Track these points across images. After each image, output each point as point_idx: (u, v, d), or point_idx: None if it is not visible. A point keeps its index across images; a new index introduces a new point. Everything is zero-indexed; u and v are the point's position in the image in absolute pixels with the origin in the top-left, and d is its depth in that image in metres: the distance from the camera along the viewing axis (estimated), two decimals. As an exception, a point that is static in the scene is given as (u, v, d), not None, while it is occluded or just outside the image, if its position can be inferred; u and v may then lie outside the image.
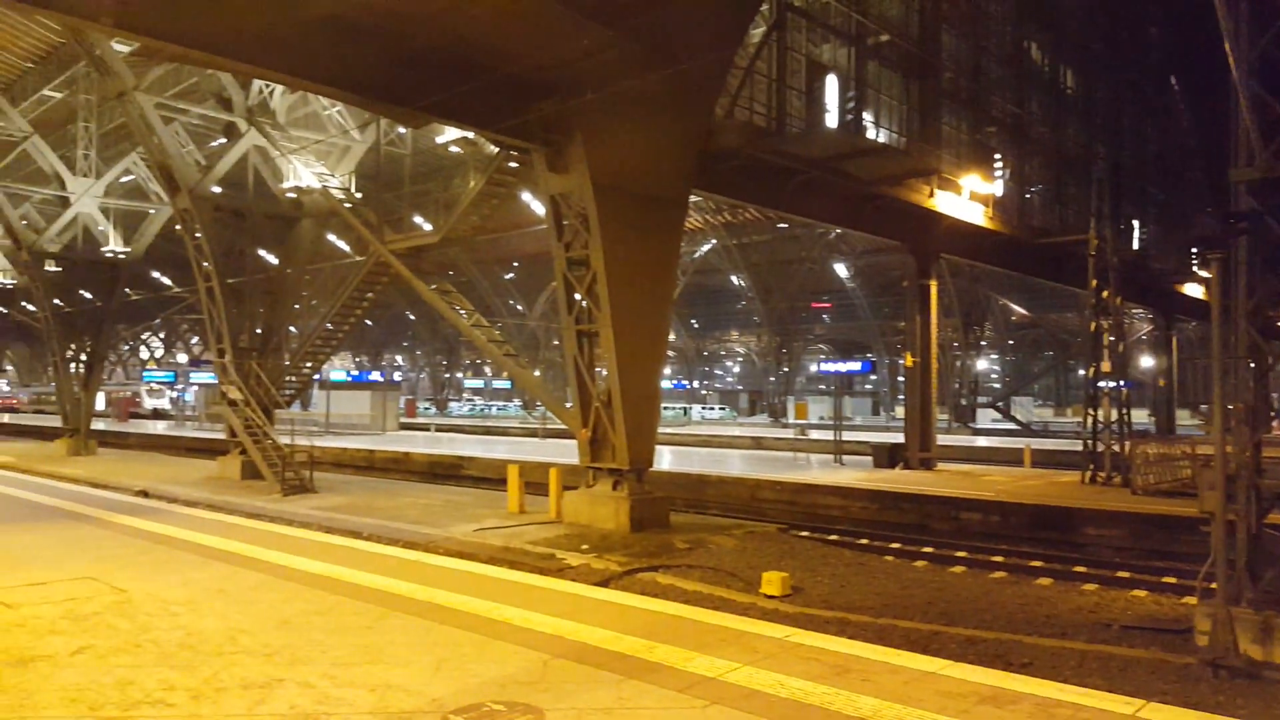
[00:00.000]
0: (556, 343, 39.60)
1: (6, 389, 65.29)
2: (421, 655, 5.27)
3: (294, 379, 19.08)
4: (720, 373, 74.86)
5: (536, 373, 27.49)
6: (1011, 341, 55.16)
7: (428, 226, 24.32)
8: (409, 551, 8.94)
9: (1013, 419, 44.26)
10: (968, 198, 19.42)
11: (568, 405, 13.49)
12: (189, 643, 5.52)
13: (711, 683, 4.77)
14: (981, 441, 31.87)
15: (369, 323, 57.83)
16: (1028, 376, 57.19)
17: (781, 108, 15.06)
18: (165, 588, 7.01)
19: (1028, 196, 23.35)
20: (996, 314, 48.88)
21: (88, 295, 25.67)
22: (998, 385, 55.69)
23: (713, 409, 58.92)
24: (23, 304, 31.83)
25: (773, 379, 50.05)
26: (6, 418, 42.42)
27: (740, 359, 70.22)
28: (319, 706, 4.41)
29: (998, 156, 21.73)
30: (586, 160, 12.16)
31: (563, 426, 14.72)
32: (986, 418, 43.69)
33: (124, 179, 25.25)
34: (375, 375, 53.68)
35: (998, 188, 20.93)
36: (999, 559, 11.85)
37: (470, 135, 17.70)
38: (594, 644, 5.50)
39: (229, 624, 5.95)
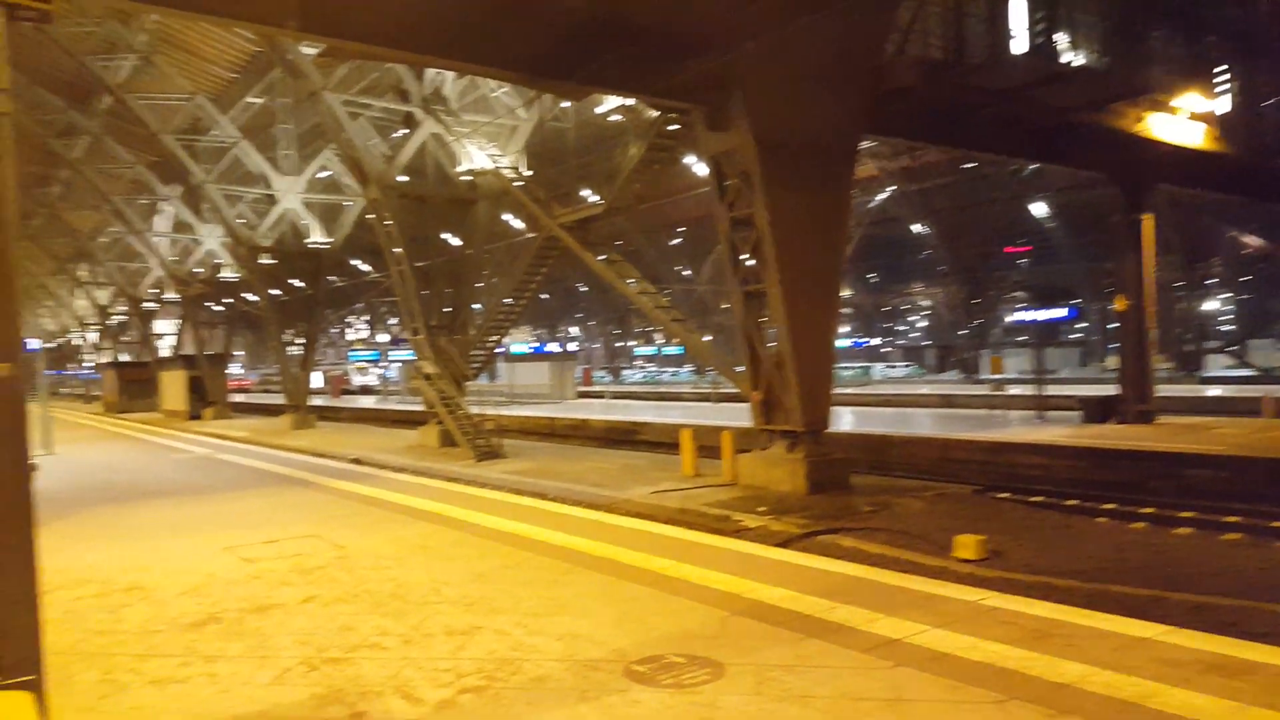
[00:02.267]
0: (725, 306, 39.58)
1: (240, 371, 73.60)
2: (604, 608, 5.55)
3: (480, 353, 20.29)
4: (903, 328, 71.97)
5: (706, 337, 27.67)
6: (1246, 278, 49.26)
7: (594, 198, 24.98)
8: (590, 512, 9.36)
9: (1248, 365, 39.66)
10: (1185, 119, 17.42)
11: (738, 369, 13.51)
12: (398, 593, 6.10)
13: (897, 644, 4.70)
14: (1212, 391, 28.79)
15: (545, 296, 60.25)
16: (1266, 317, 50.95)
17: (961, 37, 14.13)
18: (377, 544, 7.76)
19: (1259, 112, 20.63)
20: (1225, 247, 43.74)
21: (298, 284, 28.46)
22: (1230, 328, 49.96)
23: (896, 366, 56.84)
24: (243, 295, 35.68)
25: (963, 332, 47.55)
26: (241, 397, 47.88)
27: (925, 313, 67.13)
28: (514, 652, 4.77)
29: (1220, 69, 19.30)
30: (747, 115, 12.00)
31: (735, 390, 14.77)
32: (1217, 365, 39.35)
33: (321, 175, 27.63)
34: (553, 346, 56.06)
35: (1222, 104, 18.62)
36: (1233, 519, 10.74)
37: (629, 102, 17.94)
38: (772, 603, 5.55)
39: (432, 577, 6.52)
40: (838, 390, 13.99)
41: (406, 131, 19.97)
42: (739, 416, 17.06)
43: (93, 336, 57.58)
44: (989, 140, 16.28)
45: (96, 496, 11.47)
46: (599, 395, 41.56)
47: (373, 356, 56.22)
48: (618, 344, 72.63)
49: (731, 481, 12.78)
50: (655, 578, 6.27)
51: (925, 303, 64.71)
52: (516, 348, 46.31)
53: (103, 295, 47.74)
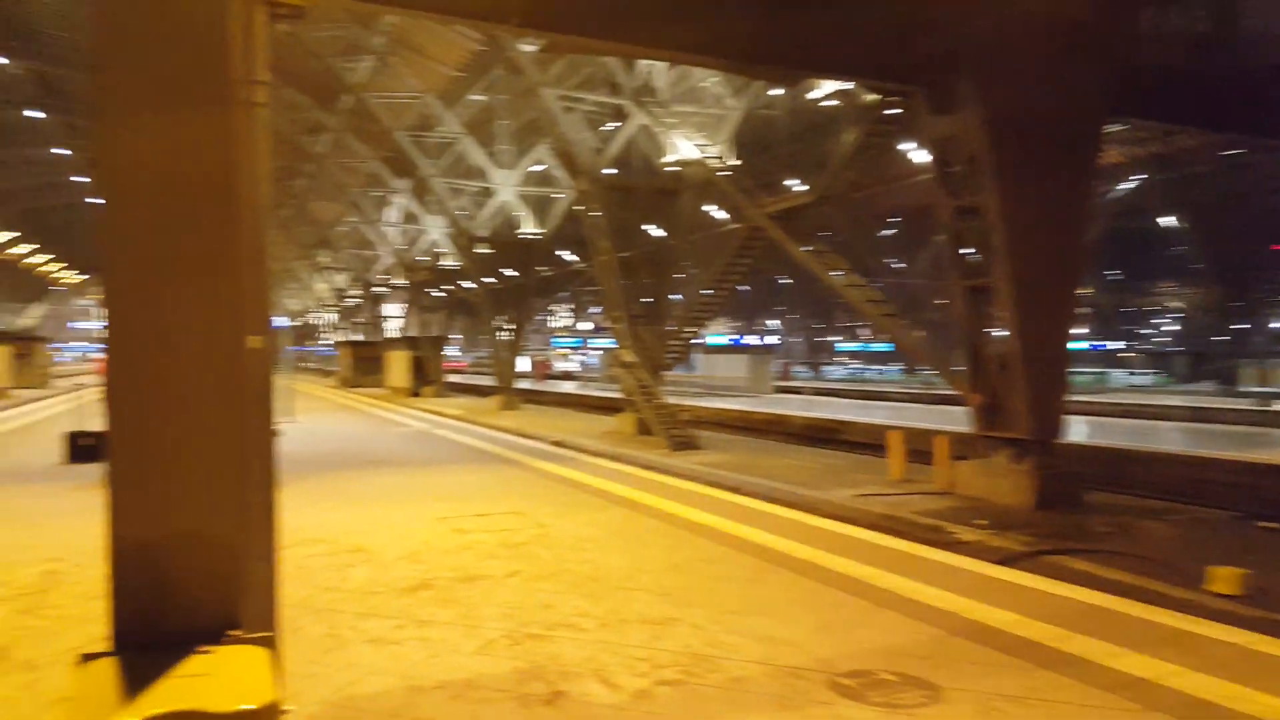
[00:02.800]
0: (942, 301, 37.49)
1: (456, 353, 79.08)
2: (805, 613, 5.32)
3: (678, 343, 20.43)
4: (1148, 332, 65.07)
5: (918, 334, 26.32)
6: None
7: (801, 188, 24.42)
8: (788, 510, 9.10)
9: None
10: None
11: (956, 369, 12.67)
12: (596, 576, 6.19)
13: (1145, 684, 4.14)
14: None
15: (745, 288, 59.94)
16: None
17: (1233, 5, 12.44)
18: (576, 525, 7.95)
19: None
20: None
21: (511, 272, 30.04)
22: None
23: (1139, 374, 51.51)
24: (461, 282, 38.22)
25: (1219, 338, 42.26)
26: (455, 377, 51.41)
27: (1175, 315, 60.29)
28: (711, 649, 4.66)
29: None
30: (976, 96, 11.18)
31: (949, 391, 13.87)
32: None
33: (535, 168, 28.97)
34: (751, 339, 55.68)
35: None
36: None
37: (845, 86, 17.33)
38: (995, 625, 5.09)
39: (629, 563, 6.56)
40: (1071, 397, 12.75)
41: (617, 124, 20.44)
42: (954, 420, 16.07)
43: (330, 317, 64.04)
44: (1264, 122, 14.24)
45: (329, 462, 12.62)
46: (798, 391, 40.80)
47: (575, 343, 58.56)
48: (819, 338, 71.00)
49: (945, 490, 12.02)
50: (861, 586, 5.95)
51: (1175, 304, 58.10)
52: (714, 339, 46.44)
53: (340, 279, 52.84)
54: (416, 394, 33.92)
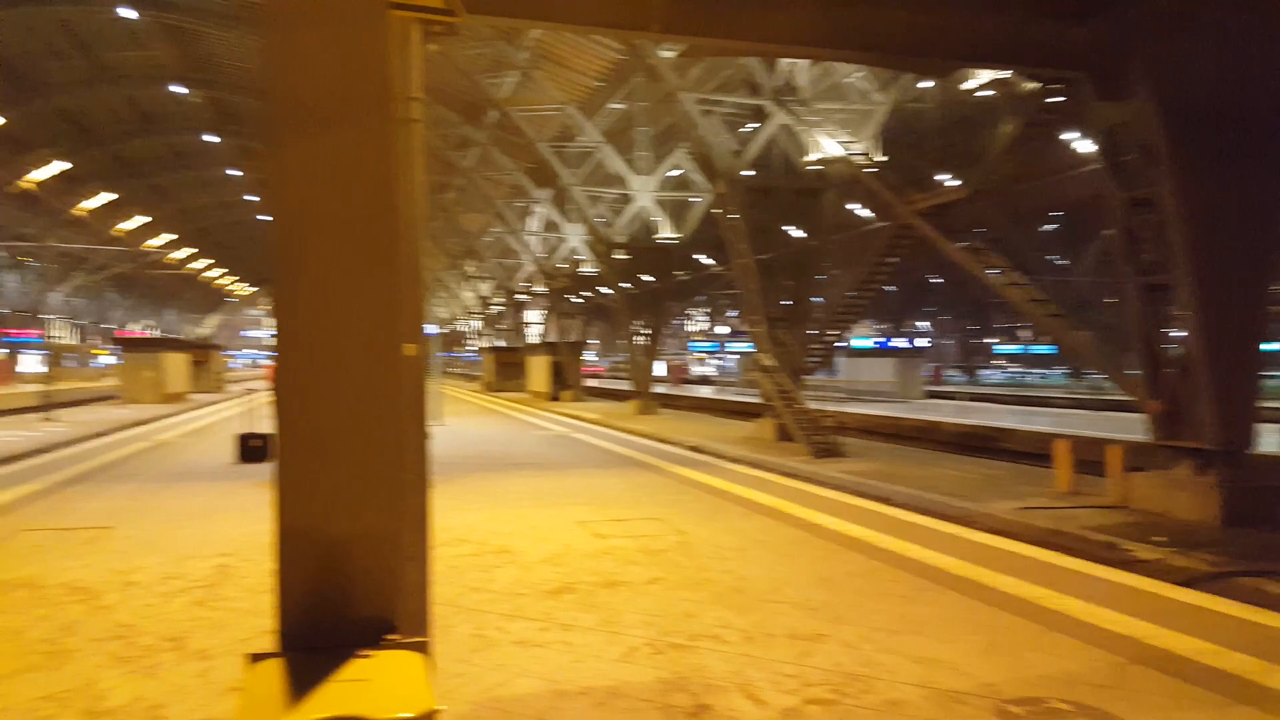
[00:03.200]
0: (1112, 300, 35.01)
1: (594, 358, 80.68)
2: (967, 634, 5.04)
3: (820, 346, 20.00)
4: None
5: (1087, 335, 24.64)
6: None
7: (954, 183, 23.39)
8: (943, 524, 8.68)
9: None
10: None
11: (1130, 372, 11.76)
12: (739, 587, 6.10)
13: (1372, 733, 3.67)
14: None
15: (892, 288, 58.10)
16: None
17: None
18: (716, 533, 7.88)
19: None
20: None
21: (648, 277, 30.34)
22: None
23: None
24: (599, 288, 38.94)
25: None
26: (593, 382, 52.39)
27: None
28: (864, 668, 4.48)
29: None
30: (1149, 80, 10.37)
31: (1121, 397, 12.89)
32: None
33: (672, 173, 29.15)
34: (899, 342, 53.78)
35: None
36: None
37: (1003, 75, 16.49)
38: (1181, 653, 4.64)
39: (772, 574, 6.44)
40: (1266, 404, 11.59)
41: (756, 125, 20.27)
42: (1127, 428, 14.97)
43: (475, 324, 66.74)
44: None
45: (473, 465, 13.09)
46: (950, 396, 39.12)
47: (711, 348, 58.50)
48: (974, 340, 67.89)
49: (1118, 504, 11.17)
50: (1027, 606, 5.58)
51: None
52: (859, 342, 45.22)
53: (484, 287, 54.98)
54: (555, 398, 34.77)
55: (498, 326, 56.38)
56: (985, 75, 17.70)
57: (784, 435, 18.18)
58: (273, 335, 2.94)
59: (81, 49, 38.88)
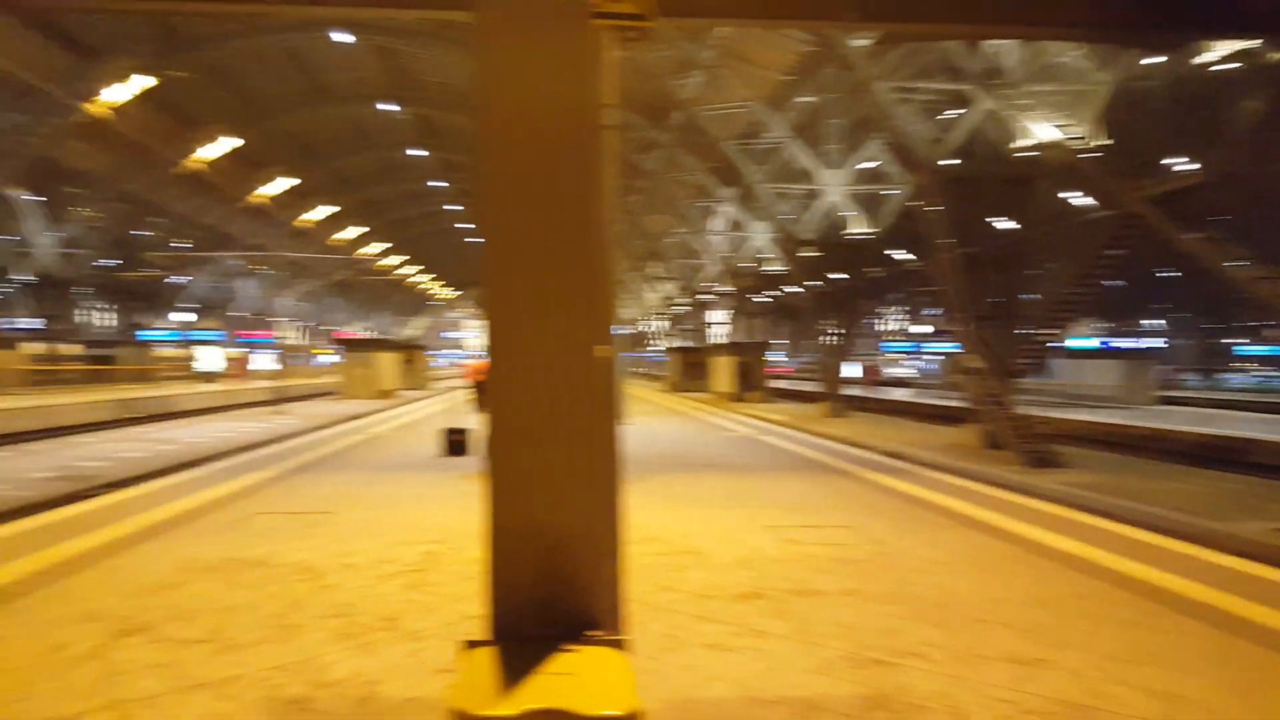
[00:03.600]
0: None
1: (780, 359, 79.82)
2: (1211, 668, 4.51)
3: (1032, 347, 18.70)
4: None
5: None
6: None
7: (1190, 167, 21.16)
8: (1179, 543, 7.84)
9: None
10: None
11: None
12: (944, 603, 5.78)
13: None
14: None
15: (1118, 283, 53.45)
16: None
17: None
18: (916, 545, 7.53)
19: None
20: None
21: (838, 275, 29.60)
22: None
23: None
24: (786, 287, 38.43)
25: None
26: (781, 383, 51.79)
27: None
28: (1091, 700, 4.11)
29: None
30: None
31: None
32: None
33: (864, 166, 28.28)
34: (1125, 343, 49.33)
35: None
36: None
37: (1248, 45, 14.74)
38: None
39: (982, 592, 6.05)
40: None
41: (958, 112, 19.26)
42: None
43: (659, 324, 67.85)
44: None
45: (660, 464, 13.26)
46: (1186, 401, 35.52)
47: (908, 348, 56.23)
48: (1212, 341, 61.24)
49: (1400, 531, 9.68)
50: (1287, 643, 4.93)
51: None
52: (1078, 343, 41.91)
53: (669, 288, 55.73)
54: (741, 399, 34.66)
55: (682, 327, 56.99)
56: (1225, 47, 15.85)
57: (992, 442, 17.15)
58: (483, 338, 3.11)
59: (305, 73, 43.03)
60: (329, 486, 10.92)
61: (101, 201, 45.95)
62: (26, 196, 41.87)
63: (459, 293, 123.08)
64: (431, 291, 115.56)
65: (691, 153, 33.73)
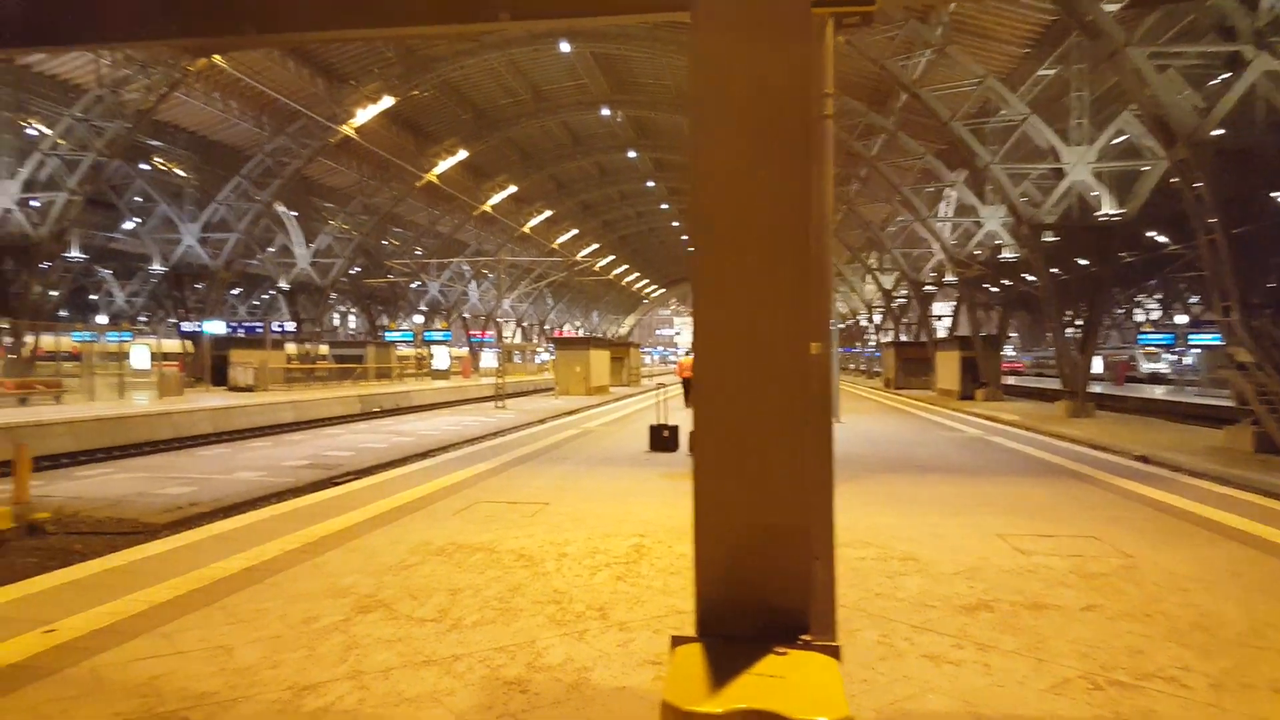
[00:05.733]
0: None
1: (1012, 353, 74.95)
2: None
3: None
4: None
5: None
6: None
7: None
8: None
9: None
10: None
11: None
12: (1203, 624, 5.21)
13: None
14: None
15: None
16: None
17: None
18: (1173, 561, 6.82)
19: None
20: None
21: (1082, 261, 27.31)
22: None
23: None
24: (1022, 275, 35.94)
25: None
26: (1011, 380, 48.59)
27: None
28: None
29: None
30: None
31: None
32: None
33: (1115, 141, 25.89)
34: None
35: None
36: None
37: None
38: None
39: (1251, 614, 5.40)
40: None
41: (1228, 76, 17.18)
42: None
43: (876, 318, 65.63)
44: None
45: (875, 464, 12.85)
46: None
47: (1165, 340, 50.84)
48: None
49: None
50: None
51: None
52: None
53: (887, 280, 53.81)
54: (968, 397, 32.86)
55: (901, 321, 54.84)
56: None
57: (1266, 446, 15.22)
58: (686, 334, 3.18)
59: (528, 84, 45.58)
60: (544, 478, 11.52)
61: (349, 214, 51.05)
62: (287, 211, 47.36)
63: (667, 290, 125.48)
64: (642, 290, 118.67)
65: (916, 135, 32.40)
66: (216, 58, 30.27)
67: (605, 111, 48.03)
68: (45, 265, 32.36)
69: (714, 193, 3.10)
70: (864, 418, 22.58)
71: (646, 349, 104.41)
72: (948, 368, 35.71)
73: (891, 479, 11.45)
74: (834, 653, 2.76)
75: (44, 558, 9.19)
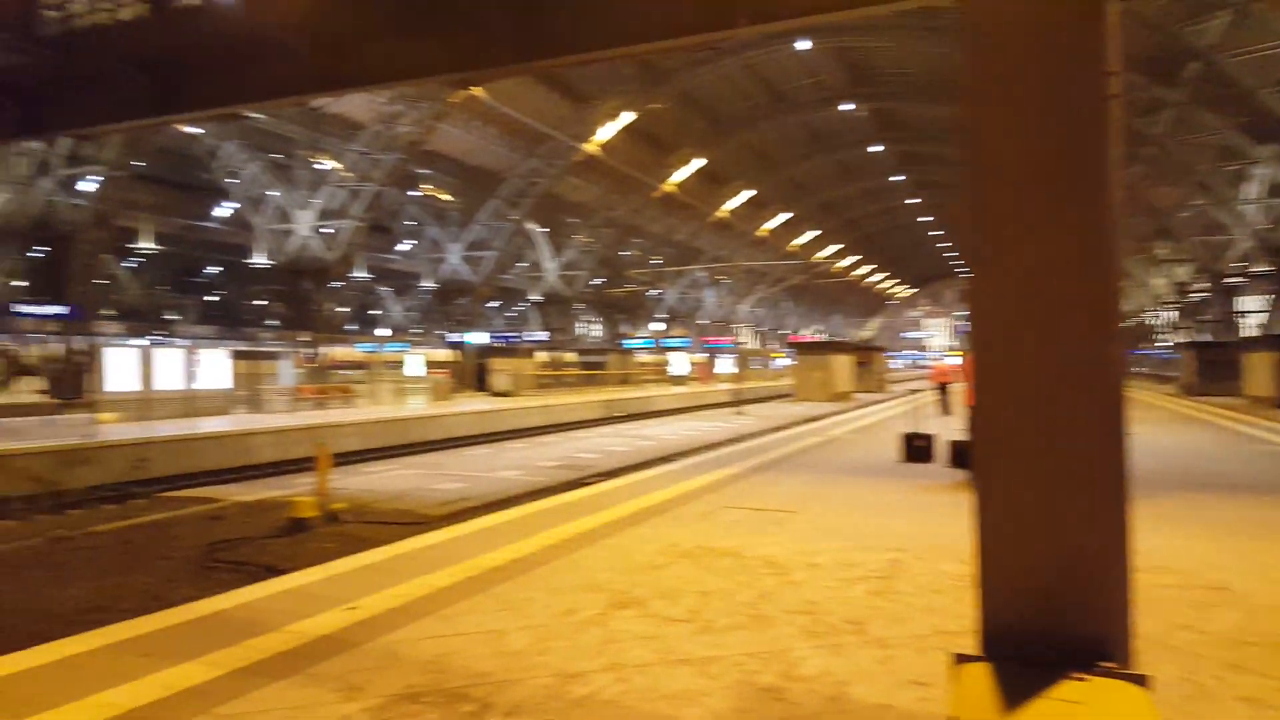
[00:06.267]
0: None
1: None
2: None
3: None
4: None
5: None
6: None
7: None
8: None
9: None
10: None
11: None
12: None
13: None
14: None
15: None
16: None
17: None
18: None
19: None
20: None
21: None
22: None
23: None
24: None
25: None
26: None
27: None
28: None
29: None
30: None
31: None
32: None
33: None
34: None
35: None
36: None
37: None
38: None
39: None
40: None
41: None
42: None
43: (1168, 315, 59.11)
44: None
45: (1172, 480, 11.51)
46: None
47: None
48: None
49: None
50: None
51: None
52: None
53: (1181, 272, 48.41)
54: (1286, 406, 28.72)
55: (1199, 318, 49.03)
56: None
57: None
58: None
59: (764, 86, 45.63)
60: (787, 486, 11.40)
61: (591, 228, 53.59)
62: (537, 228, 50.54)
63: (917, 290, 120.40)
64: (888, 291, 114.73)
65: (1213, 108, 28.94)
66: (475, 89, 32.90)
67: (846, 106, 46.99)
68: (336, 285, 36.66)
69: (991, 184, 2.95)
70: (1159, 428, 20.40)
71: (892, 353, 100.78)
72: (1261, 371, 31.41)
73: (1194, 497, 10.23)
74: (1141, 682, 2.50)
75: (341, 543, 10.36)
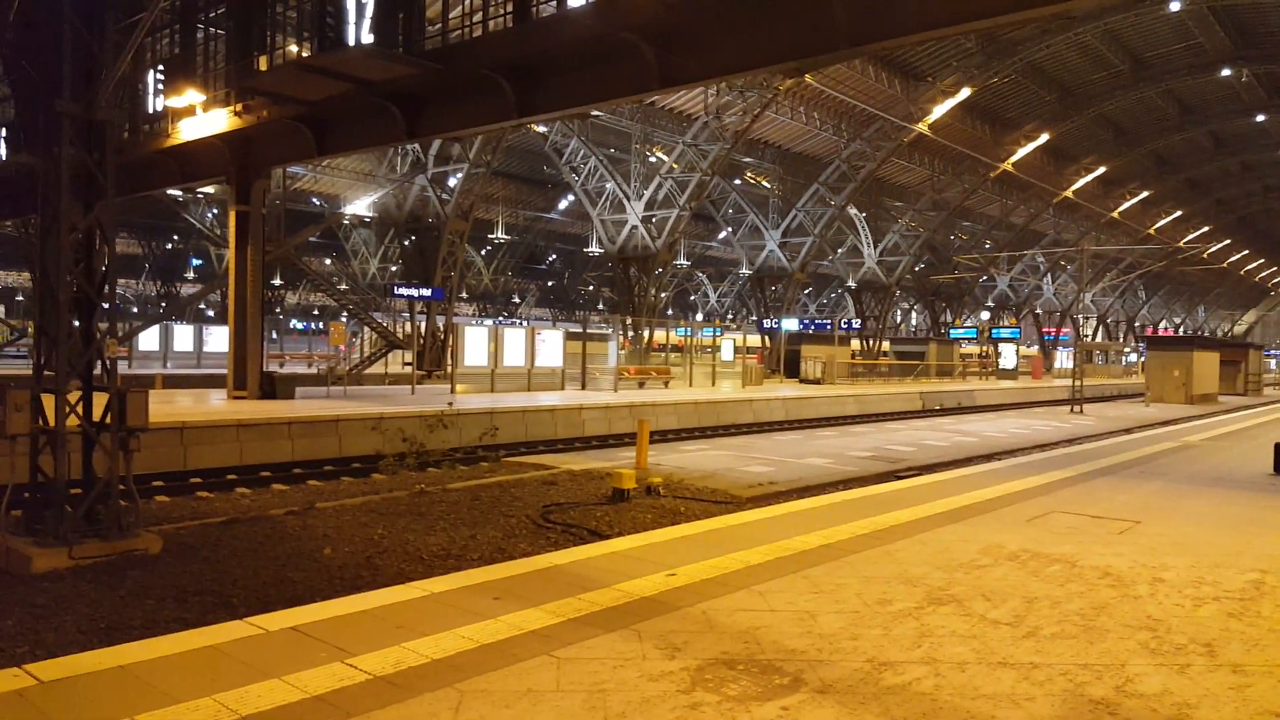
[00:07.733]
0: None
1: None
2: None
3: None
4: None
5: None
6: None
7: None
8: None
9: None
10: None
11: None
12: None
13: None
14: None
15: None
16: None
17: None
18: None
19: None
20: None
21: None
22: None
23: None
24: None
25: None
26: None
27: None
28: None
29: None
30: None
31: None
32: None
33: None
34: None
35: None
36: None
37: None
38: None
39: None
40: None
41: None
42: None
43: None
44: None
45: None
46: None
47: None
48: None
49: None
50: None
51: None
52: None
53: None
54: None
55: None
56: None
57: None
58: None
59: (1125, 53, 41.03)
60: (1132, 494, 10.40)
61: (917, 211, 51.50)
62: (857, 213, 49.54)
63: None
64: (1269, 280, 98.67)
65: None
66: (806, 76, 32.91)
67: (1225, 72, 40.94)
68: (659, 271, 38.61)
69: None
70: None
71: (1271, 351, 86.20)
72: None
73: None
74: None
75: (657, 515, 11.04)
